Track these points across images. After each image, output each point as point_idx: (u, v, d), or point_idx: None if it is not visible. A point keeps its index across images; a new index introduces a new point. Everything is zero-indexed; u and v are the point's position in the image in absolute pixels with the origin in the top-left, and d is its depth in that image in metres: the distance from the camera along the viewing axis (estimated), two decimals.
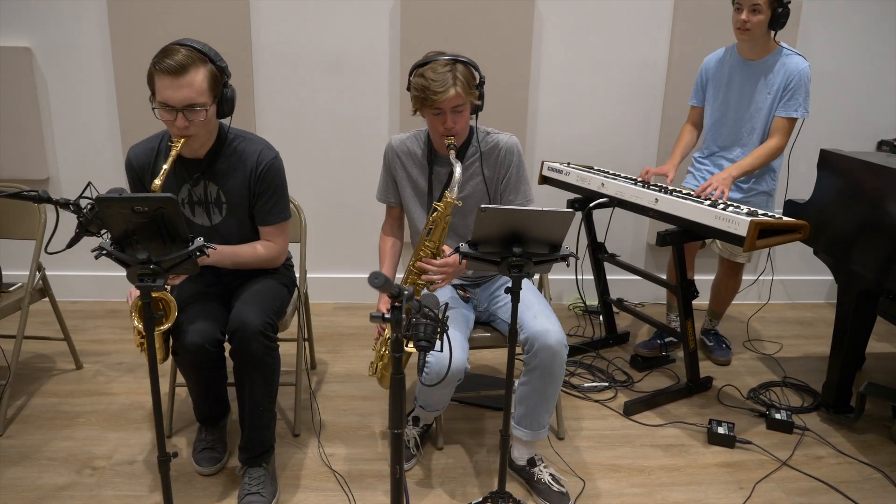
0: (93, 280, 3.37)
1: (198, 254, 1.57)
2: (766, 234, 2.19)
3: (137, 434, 2.35)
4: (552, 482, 2.06)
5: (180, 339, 1.90)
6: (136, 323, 1.82)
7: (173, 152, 1.83)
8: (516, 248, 1.61)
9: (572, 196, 2.82)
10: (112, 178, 3.28)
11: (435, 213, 1.98)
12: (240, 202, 2.05)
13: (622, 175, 2.81)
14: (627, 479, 2.22)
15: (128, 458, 2.22)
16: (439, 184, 2.18)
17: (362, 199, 3.27)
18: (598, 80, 3.30)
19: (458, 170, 1.93)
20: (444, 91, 1.93)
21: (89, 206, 1.58)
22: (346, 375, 2.82)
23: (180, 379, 2.21)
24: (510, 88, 3.16)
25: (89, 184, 1.63)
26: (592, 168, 2.93)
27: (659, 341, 2.96)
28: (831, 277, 2.58)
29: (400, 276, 2.28)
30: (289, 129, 3.26)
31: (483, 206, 1.53)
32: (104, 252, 1.54)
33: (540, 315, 2.00)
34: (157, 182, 1.81)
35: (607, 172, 2.85)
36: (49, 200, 1.54)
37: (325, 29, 3.14)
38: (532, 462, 2.11)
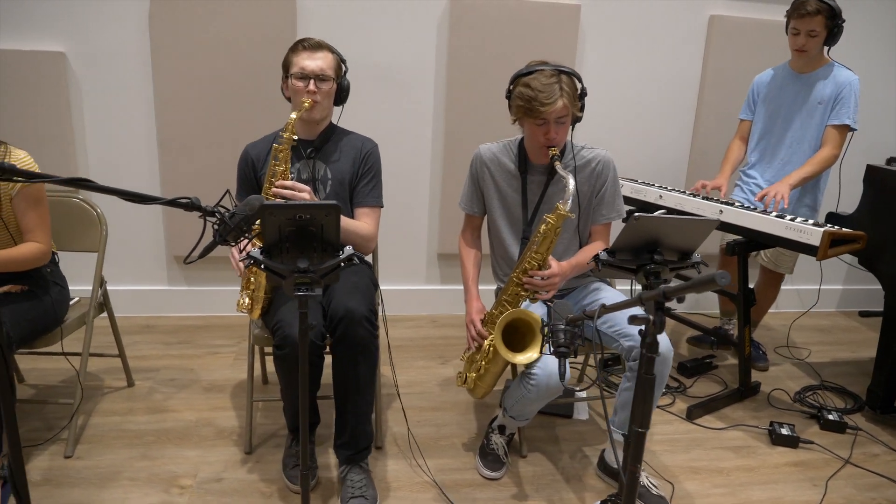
0: (125, 294, 3.24)
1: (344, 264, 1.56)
2: (832, 244, 2.32)
3: (215, 451, 2.28)
4: (651, 485, 2.11)
5: (286, 332, 1.88)
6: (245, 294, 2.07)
7: (306, 106, 2.08)
8: (657, 256, 1.66)
9: (628, 208, 2.90)
10: (146, 188, 3.18)
11: (545, 226, 2.00)
12: (343, 181, 2.22)
13: (668, 188, 2.91)
14: (709, 479, 2.29)
15: (213, 476, 2.15)
16: (531, 194, 2.22)
17: (404, 210, 3.29)
18: (633, 94, 3.41)
19: (571, 182, 1.96)
20: (552, 102, 1.97)
21: (231, 215, 1.54)
22: (406, 387, 2.80)
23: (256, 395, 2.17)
24: None
25: (227, 192, 1.59)
26: (636, 181, 3.03)
27: (712, 338, 3.11)
28: (842, 287, 2.74)
29: (487, 289, 2.31)
30: None
31: (637, 214, 1.57)
32: (254, 261, 1.51)
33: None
34: (285, 135, 2.07)
35: (651, 184, 2.95)
36: (199, 208, 1.49)
37: (371, 39, 3.14)
38: None
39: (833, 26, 2.58)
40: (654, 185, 2.94)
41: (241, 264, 2.00)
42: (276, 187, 2.03)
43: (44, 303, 2.09)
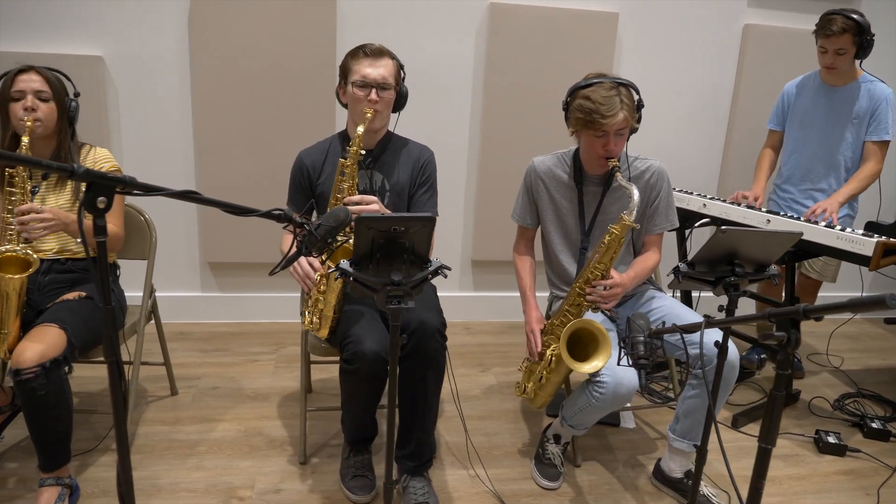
0: (158, 301, 3.20)
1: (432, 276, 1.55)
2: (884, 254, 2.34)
3: (269, 462, 2.25)
4: (711, 495, 2.12)
5: (357, 348, 1.86)
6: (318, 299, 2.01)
7: (368, 116, 2.01)
8: (738, 269, 1.66)
9: None
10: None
11: (609, 236, 2.00)
12: (401, 192, 2.17)
13: (709, 196, 2.93)
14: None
15: (271, 487, 2.13)
16: (587, 205, 2.22)
17: (439, 216, 3.28)
18: (667, 103, 3.42)
19: (635, 193, 1.96)
20: (613, 115, 1.98)
21: (316, 227, 1.53)
22: (449, 395, 2.78)
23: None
24: None
25: (312, 203, 1.58)
26: (675, 189, 3.04)
27: (756, 356, 3.09)
28: (865, 294, 2.75)
29: (542, 297, 2.31)
30: None
31: (723, 227, 1.57)
32: (344, 274, 1.50)
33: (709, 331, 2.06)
34: (352, 149, 2.00)
35: (689, 192, 2.96)
36: (291, 220, 1.48)
37: (410, 44, 3.13)
38: (689, 474, 2.16)
39: (862, 42, 2.58)
40: (694, 193, 2.95)
41: (310, 280, 1.96)
42: (344, 203, 1.97)
43: (101, 310, 2.06)
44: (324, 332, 2.02)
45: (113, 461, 2.20)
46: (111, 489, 2.07)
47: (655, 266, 2.28)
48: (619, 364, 1.77)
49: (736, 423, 2.66)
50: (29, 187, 1.99)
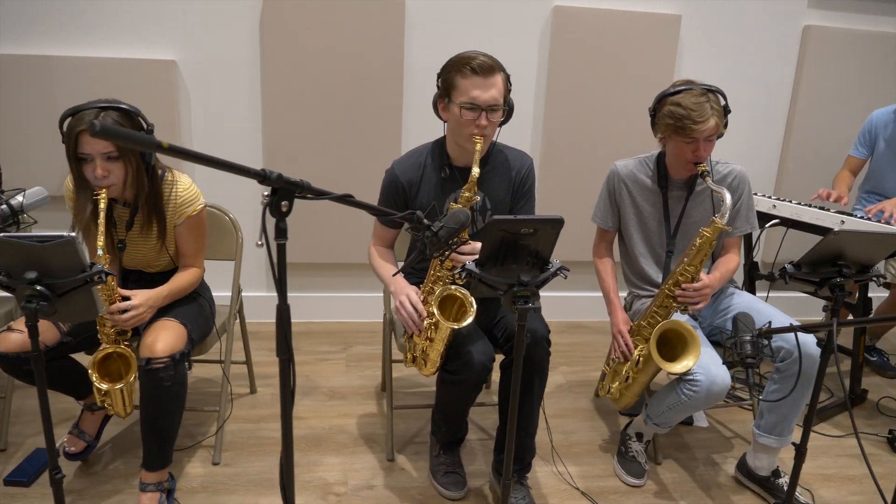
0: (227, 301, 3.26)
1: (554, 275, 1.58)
2: None
3: (357, 458, 2.30)
4: (799, 494, 2.14)
5: (465, 359, 1.88)
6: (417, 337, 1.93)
7: (478, 148, 1.87)
8: (846, 269, 1.69)
9: None
10: (251, 196, 3.21)
11: (701, 239, 2.03)
12: (502, 208, 2.10)
13: (779, 198, 2.95)
14: (844, 487, 2.32)
15: (364, 483, 2.17)
16: (672, 209, 2.25)
17: None
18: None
19: (728, 196, 1.99)
20: (705, 121, 2.01)
21: (439, 228, 1.57)
22: None
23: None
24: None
25: (433, 205, 1.61)
26: None
27: None
28: None
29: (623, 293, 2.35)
30: None
31: (837, 229, 1.60)
32: (471, 274, 1.54)
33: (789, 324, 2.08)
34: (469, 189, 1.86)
35: (755, 193, 2.98)
36: (420, 223, 1.52)
37: (475, 45, 3.12)
38: (777, 473, 2.19)
39: None
40: (761, 194, 2.97)
41: (415, 324, 1.90)
42: (458, 251, 1.84)
43: (205, 310, 2.12)
44: (427, 372, 1.97)
45: (206, 458, 2.25)
46: (209, 485, 2.12)
47: (737, 267, 2.31)
48: (724, 364, 1.80)
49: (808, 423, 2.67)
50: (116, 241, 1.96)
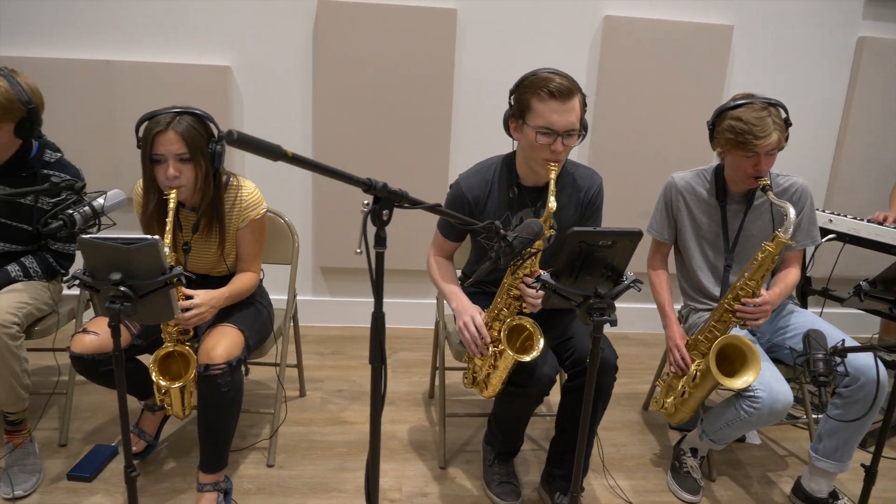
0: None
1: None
2: None
3: (409, 465, 2.30)
4: None
5: (533, 373, 1.87)
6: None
7: (552, 176, 1.82)
8: None
9: None
10: (299, 202, 3.24)
11: (763, 253, 2.01)
12: (568, 227, 2.01)
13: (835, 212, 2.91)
14: None
15: (418, 490, 2.18)
16: (731, 222, 2.23)
17: None
18: None
19: (792, 211, 1.97)
20: (767, 136, 1.99)
21: (513, 238, 1.57)
22: None
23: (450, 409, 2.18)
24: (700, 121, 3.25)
25: (507, 215, 1.62)
26: None
27: None
28: None
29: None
30: (479, 155, 3.26)
31: None
32: (545, 285, 1.54)
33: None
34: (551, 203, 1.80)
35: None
36: (498, 234, 1.52)
37: (525, 55, 3.16)
38: (835, 495, 2.15)
39: None
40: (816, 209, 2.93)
41: (478, 347, 1.87)
42: (523, 283, 1.83)
43: (262, 314, 2.14)
44: (487, 395, 1.96)
45: (260, 460, 2.27)
46: (264, 486, 2.14)
47: (797, 282, 2.28)
48: (800, 382, 1.77)
49: (864, 444, 2.62)
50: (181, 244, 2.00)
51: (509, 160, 2.04)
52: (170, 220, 1.81)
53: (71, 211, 1.67)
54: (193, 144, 1.84)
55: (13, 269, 2.09)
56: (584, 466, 2.06)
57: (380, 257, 1.11)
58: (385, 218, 1.09)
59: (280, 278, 2.45)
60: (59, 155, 2.12)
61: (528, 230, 1.56)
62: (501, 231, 1.51)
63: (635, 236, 1.47)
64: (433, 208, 1.20)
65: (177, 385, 1.85)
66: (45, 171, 2.07)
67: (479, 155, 3.43)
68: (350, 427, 2.51)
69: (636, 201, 3.23)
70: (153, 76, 2.97)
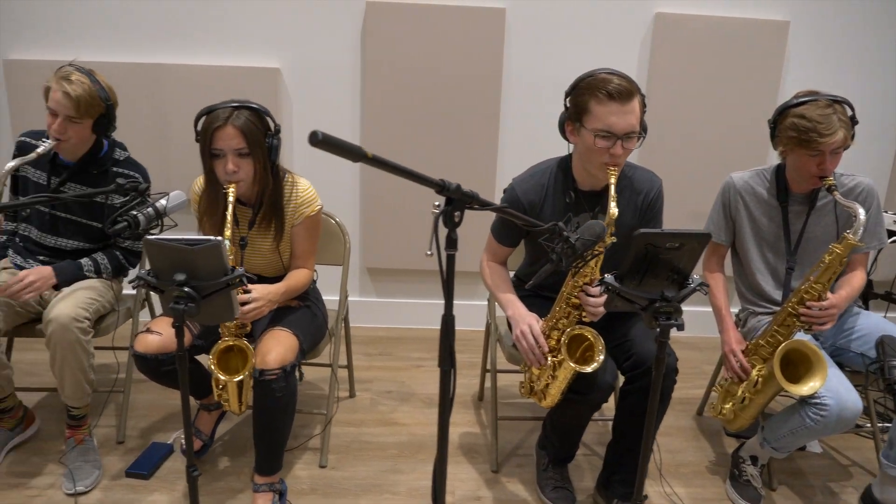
0: None
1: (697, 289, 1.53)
2: None
3: (461, 468, 2.29)
4: None
5: (591, 379, 1.82)
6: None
7: (612, 181, 1.76)
8: None
9: None
10: (347, 203, 3.26)
11: (831, 256, 1.94)
12: (626, 232, 1.95)
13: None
14: None
15: (471, 493, 2.16)
16: (793, 223, 2.16)
17: None
18: None
19: (861, 211, 1.90)
20: (832, 134, 1.92)
21: (576, 239, 1.54)
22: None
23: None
24: (754, 120, 3.16)
25: (569, 216, 1.59)
26: None
27: None
28: None
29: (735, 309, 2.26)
30: (527, 157, 3.23)
31: None
32: (610, 287, 1.50)
33: None
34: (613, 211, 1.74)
35: None
36: (560, 235, 1.50)
37: (574, 55, 3.12)
38: None
39: None
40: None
41: (535, 357, 1.83)
42: (583, 292, 1.79)
43: (317, 317, 2.15)
44: (546, 405, 1.92)
45: (312, 460, 2.28)
46: (318, 487, 2.14)
47: (863, 285, 2.19)
48: (865, 391, 1.70)
49: None
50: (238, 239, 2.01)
51: (565, 164, 1.98)
52: (230, 213, 1.84)
53: (135, 212, 1.70)
54: (252, 139, 1.86)
55: (85, 262, 2.15)
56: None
57: (450, 259, 1.10)
58: (457, 220, 1.08)
59: (330, 279, 2.46)
60: (127, 153, 2.18)
61: (590, 231, 1.53)
62: (564, 232, 1.48)
63: (703, 238, 1.44)
64: (501, 209, 1.18)
65: (236, 379, 1.86)
66: (116, 169, 2.13)
67: (528, 156, 3.39)
68: (401, 429, 2.50)
69: (686, 202, 3.16)
70: (204, 78, 3.01)
